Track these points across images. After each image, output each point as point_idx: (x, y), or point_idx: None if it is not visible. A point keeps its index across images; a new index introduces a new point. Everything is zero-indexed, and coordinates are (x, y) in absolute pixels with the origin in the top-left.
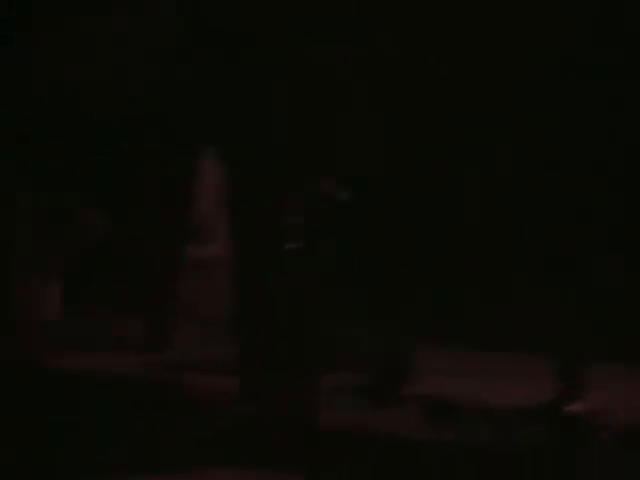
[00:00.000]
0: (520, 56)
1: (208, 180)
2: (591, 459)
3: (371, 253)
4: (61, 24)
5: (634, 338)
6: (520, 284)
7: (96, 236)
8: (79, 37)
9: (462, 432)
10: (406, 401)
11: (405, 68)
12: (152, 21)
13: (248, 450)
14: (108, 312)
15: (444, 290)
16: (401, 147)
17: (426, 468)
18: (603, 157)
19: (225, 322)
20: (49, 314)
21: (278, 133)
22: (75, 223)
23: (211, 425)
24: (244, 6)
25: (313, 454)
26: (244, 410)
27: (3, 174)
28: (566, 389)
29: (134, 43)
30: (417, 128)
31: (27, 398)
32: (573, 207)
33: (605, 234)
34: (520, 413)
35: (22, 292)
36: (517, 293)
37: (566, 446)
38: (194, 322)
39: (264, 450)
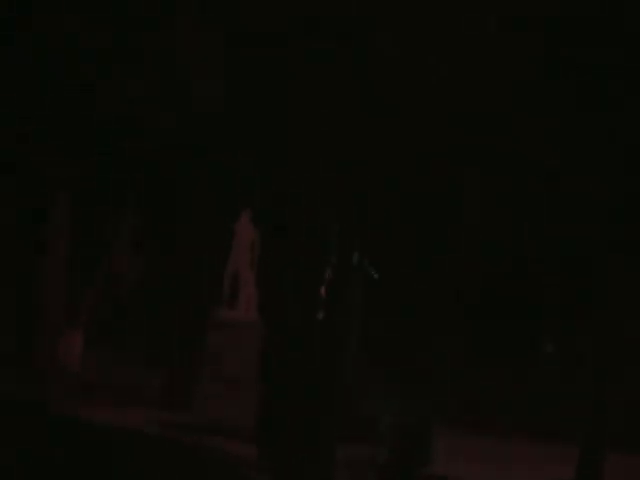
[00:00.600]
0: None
1: (242, 241)
2: None
3: (391, 331)
4: None
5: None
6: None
7: (127, 285)
8: None
9: None
10: None
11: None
12: None
13: None
14: (133, 363)
15: (459, 371)
16: None
17: None
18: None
19: (248, 384)
20: (73, 363)
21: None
22: (106, 272)
23: None
24: None
25: None
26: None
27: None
28: (584, 476)
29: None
30: None
31: (41, 447)
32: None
33: None
34: None
35: (47, 340)
36: (536, 377)
37: None
38: (217, 382)
39: None
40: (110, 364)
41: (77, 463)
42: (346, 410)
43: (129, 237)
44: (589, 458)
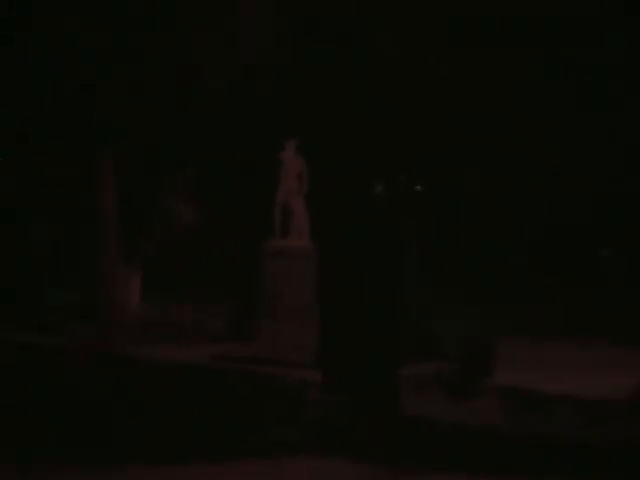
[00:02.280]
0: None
1: (290, 169)
2: None
3: (446, 244)
4: None
5: None
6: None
7: (180, 226)
8: None
9: (551, 424)
10: (489, 393)
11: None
12: None
13: (337, 437)
14: (190, 302)
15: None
16: None
17: (520, 459)
18: None
19: (307, 312)
20: (132, 303)
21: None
22: (159, 212)
23: (299, 414)
24: None
25: (398, 443)
26: (330, 399)
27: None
28: None
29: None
30: None
31: (111, 387)
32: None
33: None
34: (609, 405)
35: (106, 281)
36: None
37: None
38: (277, 312)
39: (352, 437)
40: (169, 301)
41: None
42: (410, 328)
43: (182, 185)
44: None
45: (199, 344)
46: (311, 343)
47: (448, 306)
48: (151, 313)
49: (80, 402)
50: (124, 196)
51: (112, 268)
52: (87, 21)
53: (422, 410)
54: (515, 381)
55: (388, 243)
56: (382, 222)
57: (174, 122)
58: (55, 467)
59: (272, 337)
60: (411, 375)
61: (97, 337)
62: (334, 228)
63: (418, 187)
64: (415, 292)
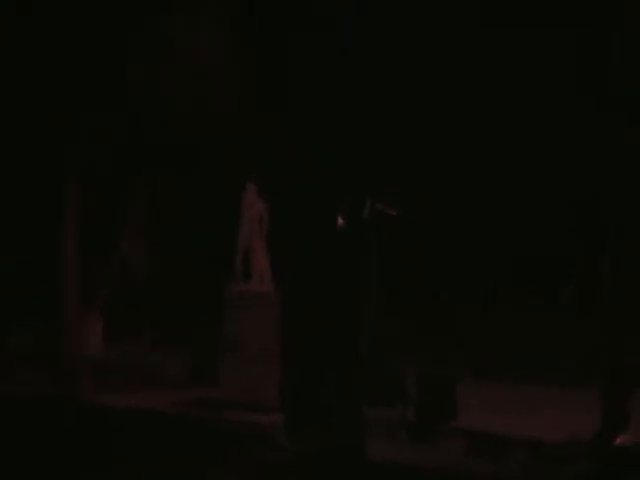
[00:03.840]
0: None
1: (250, 213)
2: None
3: (410, 285)
4: None
5: None
6: (561, 316)
7: (141, 269)
8: None
9: (508, 467)
10: (449, 435)
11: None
12: None
13: None
14: (152, 347)
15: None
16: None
17: None
18: None
19: (269, 355)
20: (93, 348)
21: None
22: (121, 257)
23: (261, 460)
24: None
25: None
26: (293, 444)
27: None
28: (611, 420)
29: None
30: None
31: (68, 434)
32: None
33: None
34: (566, 446)
35: (67, 326)
36: (557, 324)
37: (618, 478)
38: (239, 355)
39: None
40: (130, 348)
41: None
42: (371, 369)
43: (140, 222)
44: (611, 405)
45: (161, 391)
46: (275, 387)
47: (412, 339)
48: (113, 360)
49: (32, 452)
50: (83, 240)
51: (73, 314)
52: None
53: (387, 454)
54: (477, 423)
55: (348, 283)
56: (341, 261)
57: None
58: None
59: (236, 382)
60: (374, 418)
61: (56, 385)
62: (293, 271)
63: (391, 212)
64: (375, 332)
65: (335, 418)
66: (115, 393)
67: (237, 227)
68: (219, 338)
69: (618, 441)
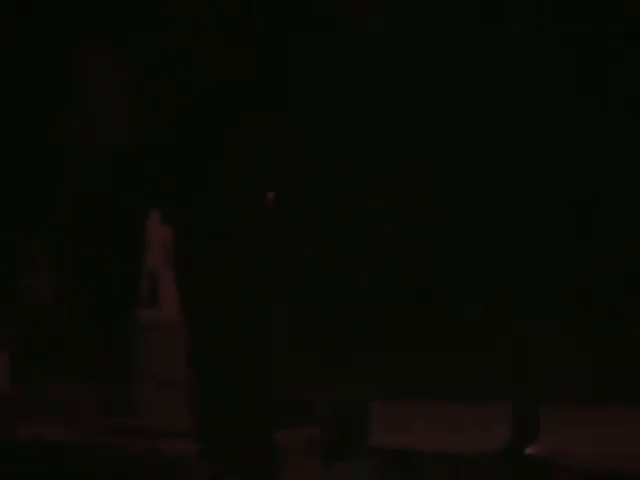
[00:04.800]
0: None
1: (156, 239)
2: None
3: (324, 305)
4: None
5: (584, 380)
6: (473, 332)
7: (46, 302)
8: None
9: None
10: (364, 454)
11: None
12: None
13: None
14: (60, 378)
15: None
16: None
17: None
18: None
19: (177, 384)
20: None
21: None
22: (25, 289)
23: None
24: None
25: None
26: (205, 470)
27: None
28: (521, 433)
29: None
30: None
31: None
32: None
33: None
34: (477, 459)
35: None
36: (470, 341)
37: None
38: (146, 384)
39: None
40: (38, 379)
41: None
42: (282, 395)
43: (43, 250)
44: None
45: (70, 421)
46: (185, 414)
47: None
48: (20, 392)
49: None
50: None
51: None
52: None
53: (300, 475)
54: (390, 441)
55: (256, 309)
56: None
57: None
58: None
59: (144, 410)
60: (285, 440)
61: None
62: (200, 299)
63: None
64: (286, 356)
65: (245, 444)
66: (22, 425)
67: (143, 254)
68: (127, 366)
69: (528, 451)
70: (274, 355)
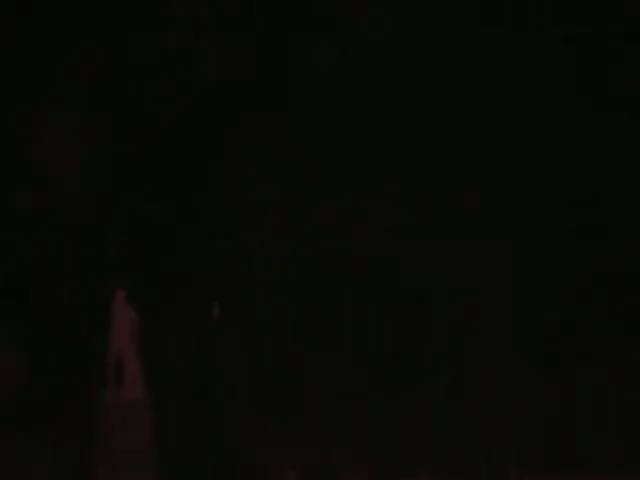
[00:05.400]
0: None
1: (121, 319)
2: None
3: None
4: None
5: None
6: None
7: (12, 379)
8: None
9: None
10: None
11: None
12: None
13: None
14: (27, 457)
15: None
16: None
17: None
18: None
19: (142, 464)
20: None
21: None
22: None
23: None
24: None
25: None
26: None
27: None
28: None
29: None
30: None
31: None
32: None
33: None
34: None
35: None
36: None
37: None
38: (110, 465)
39: None
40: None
41: None
42: (248, 460)
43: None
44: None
45: None
46: None
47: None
48: None
49: None
50: None
51: None
52: None
53: None
54: None
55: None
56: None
57: None
58: None
59: None
60: None
61: None
62: (167, 376)
63: None
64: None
65: None
66: None
67: (108, 333)
68: (93, 445)
69: None
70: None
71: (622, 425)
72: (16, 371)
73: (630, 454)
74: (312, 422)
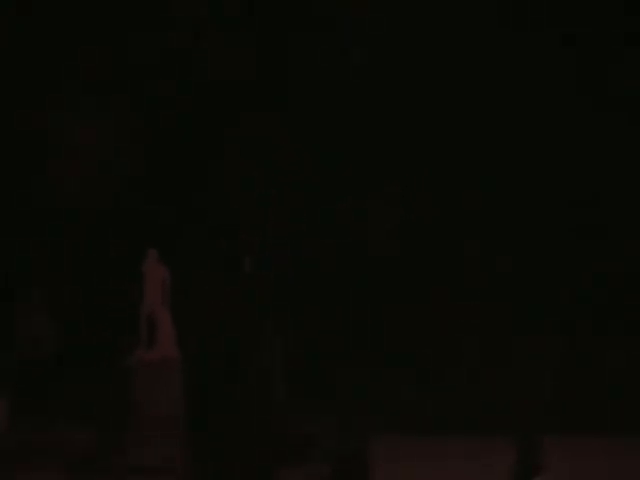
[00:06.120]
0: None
1: (153, 279)
2: None
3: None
4: None
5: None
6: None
7: (48, 346)
8: None
9: None
10: None
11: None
12: None
13: None
14: (59, 422)
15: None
16: None
17: None
18: None
19: (175, 422)
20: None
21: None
22: (26, 333)
23: None
24: None
25: None
26: None
27: None
28: (524, 468)
29: None
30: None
31: None
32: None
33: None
34: None
35: None
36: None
37: None
38: (145, 424)
39: None
40: (37, 420)
41: None
42: (282, 432)
43: (42, 298)
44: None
45: (72, 465)
46: (181, 454)
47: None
48: (20, 437)
49: None
50: None
51: None
52: None
53: None
54: (392, 477)
55: (252, 347)
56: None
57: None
58: None
59: (141, 448)
60: (288, 477)
61: None
62: (196, 336)
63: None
64: (284, 390)
65: None
66: (21, 471)
67: (140, 293)
68: (126, 406)
69: None
70: (271, 386)
71: None
72: (51, 336)
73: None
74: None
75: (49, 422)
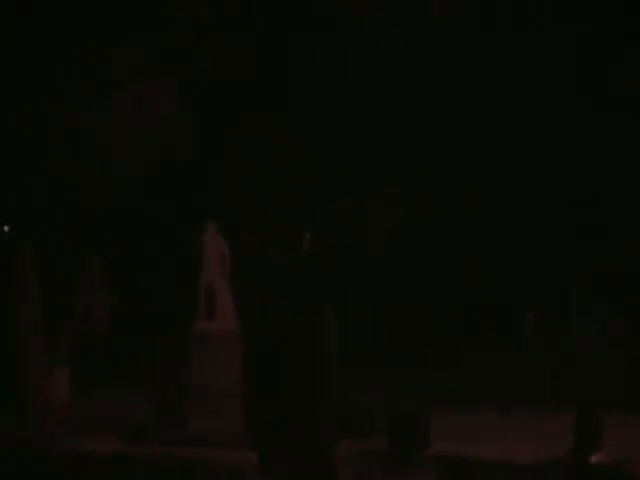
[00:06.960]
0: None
1: (212, 252)
2: None
3: (377, 318)
4: None
5: None
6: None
7: (104, 316)
8: None
9: None
10: (424, 464)
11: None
12: None
13: None
14: (119, 392)
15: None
16: None
17: None
18: None
19: (234, 393)
20: (58, 395)
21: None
22: (81, 304)
23: None
24: None
25: None
26: None
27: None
28: (584, 440)
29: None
30: None
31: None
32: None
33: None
34: (542, 467)
35: (31, 372)
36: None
37: None
38: (204, 395)
39: None
40: (98, 393)
41: None
42: (340, 403)
43: (98, 267)
44: (586, 420)
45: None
46: (241, 424)
47: (367, 371)
48: (79, 405)
49: None
50: (43, 290)
51: (35, 361)
52: None
53: None
54: (451, 450)
55: (311, 319)
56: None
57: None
58: None
59: (200, 420)
60: (344, 451)
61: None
62: (255, 307)
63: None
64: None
65: (305, 454)
66: (81, 437)
67: (199, 266)
68: (184, 378)
69: (594, 459)
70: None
71: None
72: (111, 306)
73: None
74: None
75: (109, 392)
